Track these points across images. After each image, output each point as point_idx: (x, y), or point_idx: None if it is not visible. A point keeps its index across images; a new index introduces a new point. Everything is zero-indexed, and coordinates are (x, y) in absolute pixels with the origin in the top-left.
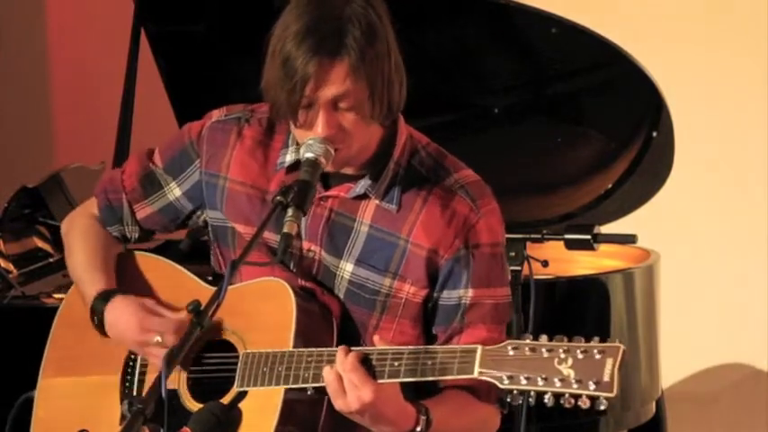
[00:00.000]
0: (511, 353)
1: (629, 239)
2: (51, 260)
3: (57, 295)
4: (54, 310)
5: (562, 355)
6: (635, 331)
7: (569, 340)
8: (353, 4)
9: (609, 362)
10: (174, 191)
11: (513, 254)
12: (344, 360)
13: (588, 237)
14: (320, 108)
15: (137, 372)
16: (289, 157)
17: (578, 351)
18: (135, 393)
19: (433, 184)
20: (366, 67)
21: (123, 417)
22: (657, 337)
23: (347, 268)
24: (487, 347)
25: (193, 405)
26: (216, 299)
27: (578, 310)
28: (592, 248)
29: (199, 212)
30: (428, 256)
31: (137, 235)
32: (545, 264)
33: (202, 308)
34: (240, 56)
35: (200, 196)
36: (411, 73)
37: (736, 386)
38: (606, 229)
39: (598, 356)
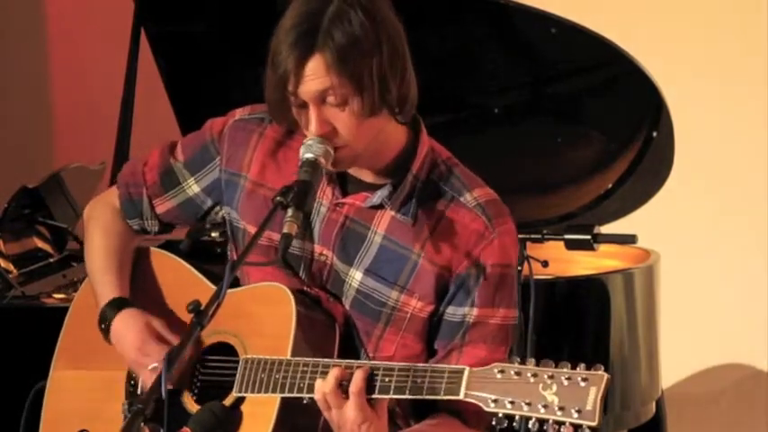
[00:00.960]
0: (498, 376)
1: (629, 239)
2: (51, 260)
3: (57, 295)
4: (54, 310)
5: (547, 381)
6: (635, 331)
7: (556, 365)
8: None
9: (593, 390)
10: (193, 187)
11: None
12: (335, 377)
13: (588, 237)
14: (310, 106)
15: None
16: None
17: (563, 377)
18: (139, 392)
19: (449, 200)
20: (347, 61)
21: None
22: (657, 337)
23: (356, 276)
24: (475, 369)
25: (193, 406)
26: (216, 299)
27: (578, 310)
28: (592, 248)
29: (218, 208)
30: (439, 272)
31: (156, 228)
32: (545, 264)
33: (202, 308)
34: (240, 56)
35: (219, 193)
36: None
37: (736, 386)
38: (606, 229)
39: (582, 384)
